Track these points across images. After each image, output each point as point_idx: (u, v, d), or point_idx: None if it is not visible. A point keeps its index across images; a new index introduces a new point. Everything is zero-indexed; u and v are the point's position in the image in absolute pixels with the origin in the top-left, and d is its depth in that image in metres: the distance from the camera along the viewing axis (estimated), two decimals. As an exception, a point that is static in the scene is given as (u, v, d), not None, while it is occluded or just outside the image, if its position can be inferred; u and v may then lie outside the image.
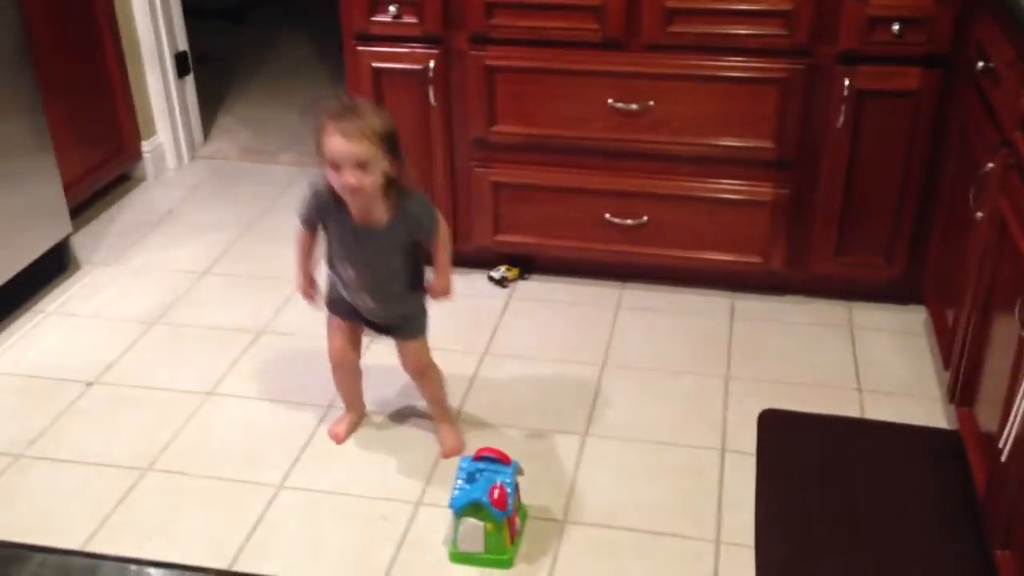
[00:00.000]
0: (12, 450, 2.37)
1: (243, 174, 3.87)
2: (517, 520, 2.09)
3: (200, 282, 3.10)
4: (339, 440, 2.40)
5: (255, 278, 3.12)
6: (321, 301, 2.29)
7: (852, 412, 2.51)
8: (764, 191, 2.84)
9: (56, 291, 3.04)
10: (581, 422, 2.47)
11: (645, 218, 2.92)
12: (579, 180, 2.91)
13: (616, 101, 2.78)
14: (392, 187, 2.09)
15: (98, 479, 2.28)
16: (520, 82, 2.82)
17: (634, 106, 2.78)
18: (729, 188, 2.86)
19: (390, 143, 2.03)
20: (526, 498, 2.17)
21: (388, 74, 2.88)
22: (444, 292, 2.28)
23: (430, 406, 2.42)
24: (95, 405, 2.54)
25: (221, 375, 2.65)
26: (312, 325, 2.85)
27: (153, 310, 2.91)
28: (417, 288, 2.26)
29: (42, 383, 2.62)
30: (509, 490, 2.03)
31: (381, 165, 2.02)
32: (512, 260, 3.11)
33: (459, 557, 2.06)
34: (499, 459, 2.08)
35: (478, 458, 2.09)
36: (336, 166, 2.00)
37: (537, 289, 3.06)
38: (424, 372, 2.35)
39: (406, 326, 2.29)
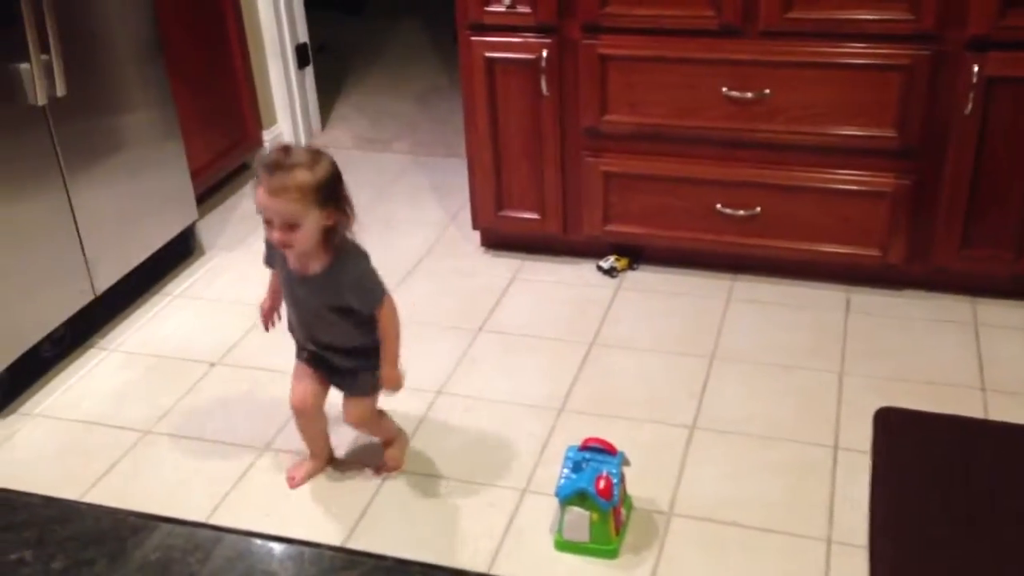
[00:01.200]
0: (140, 426, 2.49)
1: (358, 163, 3.95)
2: (622, 511, 2.09)
3: (316, 268, 3.19)
4: (293, 485, 2.27)
5: (369, 265, 3.19)
6: (272, 328, 2.24)
7: (974, 413, 2.42)
8: (885, 181, 2.75)
9: (182, 275, 3.18)
10: (689, 414, 2.45)
11: (758, 209, 2.86)
12: (691, 170, 2.88)
13: (731, 90, 2.74)
14: (332, 237, 1.98)
15: (218, 457, 2.38)
16: (633, 71, 2.80)
17: (750, 95, 2.73)
18: (848, 179, 2.78)
19: (326, 194, 1.92)
20: (632, 489, 2.17)
21: (501, 64, 2.90)
22: (392, 385, 2.11)
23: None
24: (217, 385, 2.65)
25: (335, 359, 2.73)
26: (424, 312, 2.91)
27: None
28: (368, 356, 2.11)
29: (169, 363, 2.74)
30: (615, 480, 2.03)
31: (313, 220, 1.91)
32: (621, 250, 3.09)
33: (564, 545, 2.07)
34: (605, 449, 2.08)
35: (584, 447, 2.10)
36: (267, 220, 1.93)
37: (646, 279, 3.04)
38: (364, 425, 2.27)
39: (350, 382, 2.17)
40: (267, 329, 2.25)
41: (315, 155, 1.95)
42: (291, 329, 2.20)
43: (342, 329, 2.09)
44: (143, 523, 0.88)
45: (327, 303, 2.06)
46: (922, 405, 2.44)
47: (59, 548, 0.85)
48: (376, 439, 2.34)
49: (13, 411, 2.56)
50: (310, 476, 2.29)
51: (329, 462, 2.32)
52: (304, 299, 2.08)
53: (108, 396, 2.61)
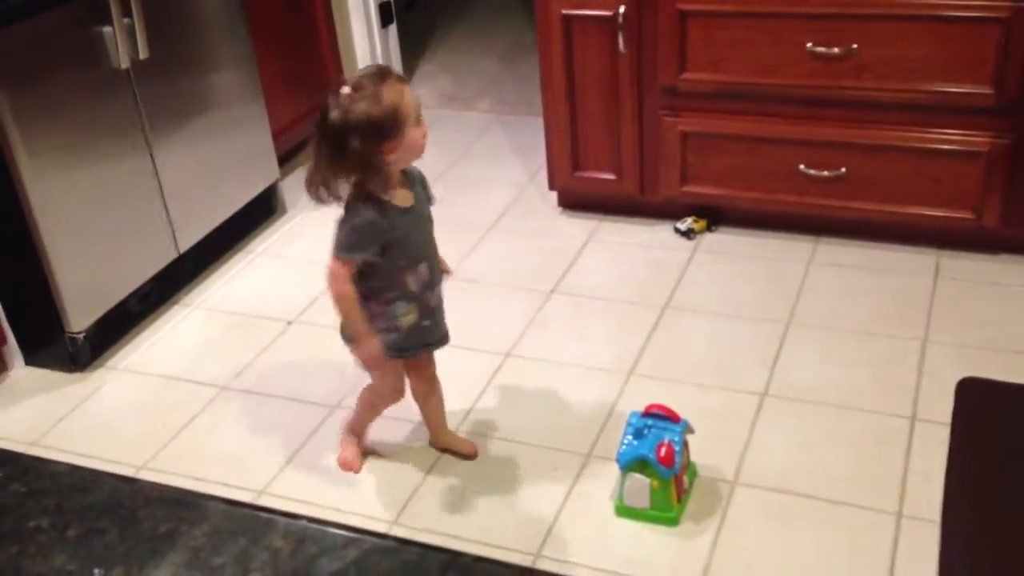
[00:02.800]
0: (219, 382, 2.57)
1: (441, 120, 3.95)
2: (684, 478, 2.07)
3: (394, 227, 3.21)
4: (358, 470, 2.24)
5: (446, 224, 3.17)
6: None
7: (1066, 385, 2.30)
8: (980, 140, 2.62)
9: (264, 233, 3.24)
10: (761, 381, 2.40)
11: (843, 170, 2.76)
12: (772, 129, 2.79)
13: (816, 45, 2.63)
14: None
15: (292, 414, 2.43)
16: (713, 27, 2.72)
17: (836, 50, 2.62)
18: (940, 138, 2.66)
19: None
20: (697, 456, 2.14)
21: (578, 20, 2.85)
22: (450, 269, 2.15)
23: (436, 418, 2.24)
24: (294, 343, 2.70)
25: (408, 319, 2.75)
26: (498, 272, 2.91)
27: (350, 254, 3.05)
28: None
29: (248, 320, 2.81)
30: (677, 448, 2.01)
31: None
32: (699, 212, 3.03)
33: (624, 511, 2.07)
34: (668, 416, 2.06)
35: (647, 414, 2.07)
36: (418, 119, 1.90)
37: (724, 242, 2.97)
38: (436, 380, 2.19)
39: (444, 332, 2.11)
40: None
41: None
42: (397, 338, 2.02)
43: None
44: (157, 493, 0.91)
45: (428, 208, 2.04)
46: (1010, 376, 2.33)
47: (75, 516, 0.89)
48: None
49: (100, 365, 2.67)
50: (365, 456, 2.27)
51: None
52: (428, 233, 2.03)
53: (190, 352, 2.69)
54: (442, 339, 2.12)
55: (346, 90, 1.85)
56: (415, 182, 2.02)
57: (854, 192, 2.79)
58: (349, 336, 2.05)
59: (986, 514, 1.98)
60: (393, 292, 1.99)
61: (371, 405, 2.22)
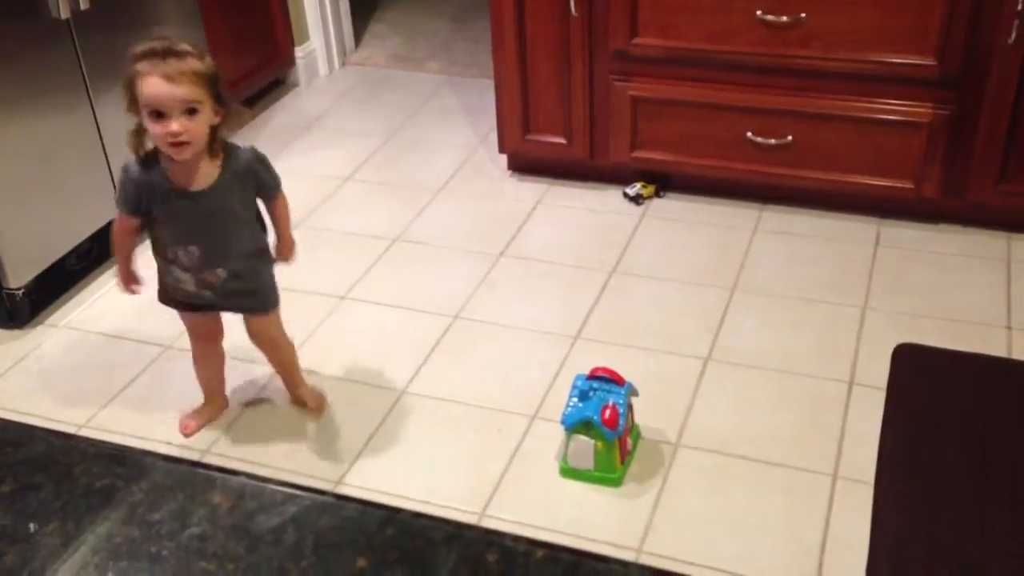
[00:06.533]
0: (162, 341, 2.53)
1: (391, 81, 3.92)
2: (628, 440, 2.10)
3: (342, 188, 3.19)
4: (188, 432, 2.23)
5: (394, 186, 3.19)
6: (143, 290, 2.12)
7: (998, 352, 2.37)
8: (922, 111, 2.66)
9: (210, 192, 3.19)
10: (704, 346, 2.43)
11: (790, 138, 2.79)
12: (721, 96, 2.80)
13: (765, 13, 2.65)
14: (216, 141, 1.89)
15: (237, 373, 2.40)
16: (664, -8, 2.72)
17: (785, 18, 2.64)
18: (884, 108, 2.69)
19: (215, 87, 1.83)
20: (641, 419, 2.17)
21: (530, -18, 2.83)
22: (292, 251, 2.12)
23: (281, 374, 2.27)
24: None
25: (355, 280, 2.74)
26: (447, 235, 2.91)
27: (297, 213, 2.99)
28: (264, 255, 2.08)
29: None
30: (621, 410, 2.03)
31: (208, 110, 1.82)
32: (648, 177, 3.04)
33: (569, 472, 2.09)
34: (613, 379, 2.08)
35: (592, 376, 2.10)
36: (159, 114, 1.79)
37: (672, 208, 2.99)
38: (275, 345, 2.19)
39: (255, 303, 2.10)
40: (137, 293, 2.13)
41: (195, 45, 1.86)
42: (173, 286, 2.06)
43: (247, 231, 2.02)
44: (94, 449, 0.91)
45: (233, 201, 1.95)
46: (945, 342, 2.39)
47: (9, 472, 0.88)
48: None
49: (40, 322, 2.62)
50: (204, 423, 2.26)
51: (223, 408, 2.30)
52: (206, 215, 1.94)
53: (132, 311, 2.65)
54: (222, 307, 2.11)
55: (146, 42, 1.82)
56: (231, 171, 1.92)
57: (799, 160, 2.82)
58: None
59: (918, 476, 2.04)
60: (160, 256, 2.03)
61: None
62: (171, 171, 1.91)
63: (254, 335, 2.18)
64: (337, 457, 2.17)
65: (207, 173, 1.91)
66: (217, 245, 1.99)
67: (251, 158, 1.97)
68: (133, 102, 1.83)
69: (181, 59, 1.79)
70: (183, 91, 1.78)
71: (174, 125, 1.79)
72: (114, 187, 2.76)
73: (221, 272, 2.01)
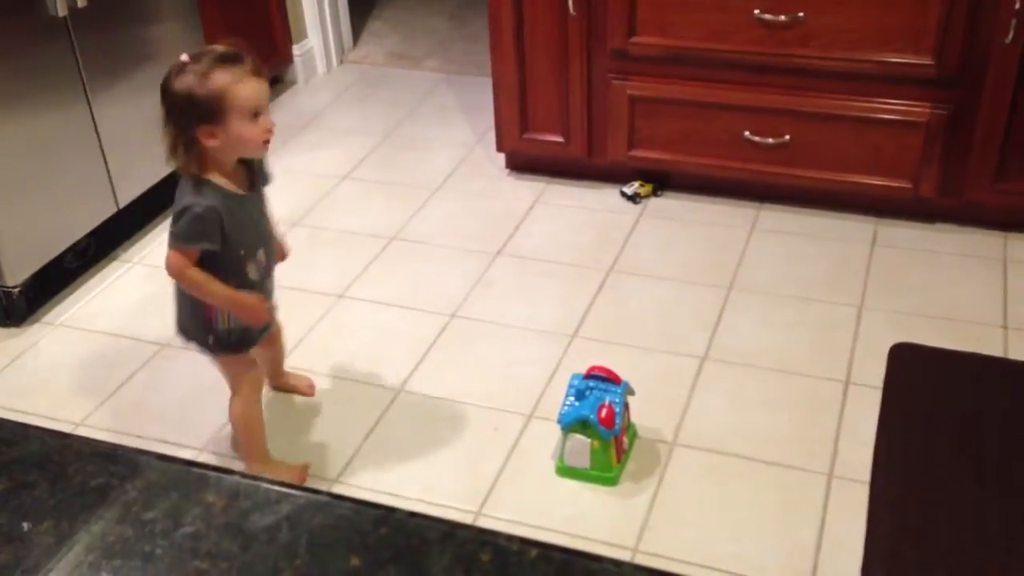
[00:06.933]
0: (159, 339, 2.53)
1: (388, 79, 3.91)
2: (624, 439, 2.10)
3: (340, 186, 3.19)
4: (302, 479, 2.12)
5: (392, 184, 3.18)
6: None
7: (994, 351, 2.37)
8: (919, 111, 2.66)
9: (207, 190, 3.19)
10: (701, 345, 2.43)
11: (787, 137, 2.79)
12: (719, 95, 2.80)
13: (764, 12, 2.65)
14: None
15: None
16: (662, -9, 2.72)
17: (783, 17, 2.64)
18: (881, 107, 2.69)
19: None
20: (637, 418, 2.17)
21: (528, -19, 2.83)
22: (288, 252, 2.11)
23: (273, 365, 2.27)
24: (236, 301, 2.67)
25: (352, 278, 2.74)
26: (444, 233, 2.91)
27: (295, 211, 3.02)
28: None
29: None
30: (617, 409, 2.03)
31: None
32: (646, 176, 3.04)
33: (565, 471, 2.09)
34: (609, 378, 2.08)
35: (588, 376, 2.10)
36: (255, 114, 1.78)
37: (670, 207, 2.99)
38: (277, 332, 2.21)
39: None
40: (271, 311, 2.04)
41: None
42: (243, 329, 1.97)
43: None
44: (88, 447, 0.91)
45: (263, 195, 1.96)
46: (941, 342, 2.39)
47: (3, 470, 0.88)
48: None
49: (37, 320, 2.62)
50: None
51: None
52: (259, 215, 1.94)
53: (129, 309, 2.65)
54: (273, 319, 2.09)
55: (184, 58, 1.77)
56: (248, 167, 1.92)
57: (797, 159, 2.82)
58: (185, 329, 1.99)
59: (913, 475, 2.04)
60: (234, 282, 1.90)
61: (246, 418, 2.07)
62: (223, 184, 1.85)
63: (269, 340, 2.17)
64: (333, 455, 2.17)
65: (241, 176, 1.90)
66: (271, 243, 2.00)
67: (267, 163, 1.98)
68: (210, 115, 1.75)
69: (248, 57, 1.79)
70: (267, 88, 1.82)
71: (271, 119, 1.82)
72: (111, 184, 2.78)
73: (274, 272, 2.02)
